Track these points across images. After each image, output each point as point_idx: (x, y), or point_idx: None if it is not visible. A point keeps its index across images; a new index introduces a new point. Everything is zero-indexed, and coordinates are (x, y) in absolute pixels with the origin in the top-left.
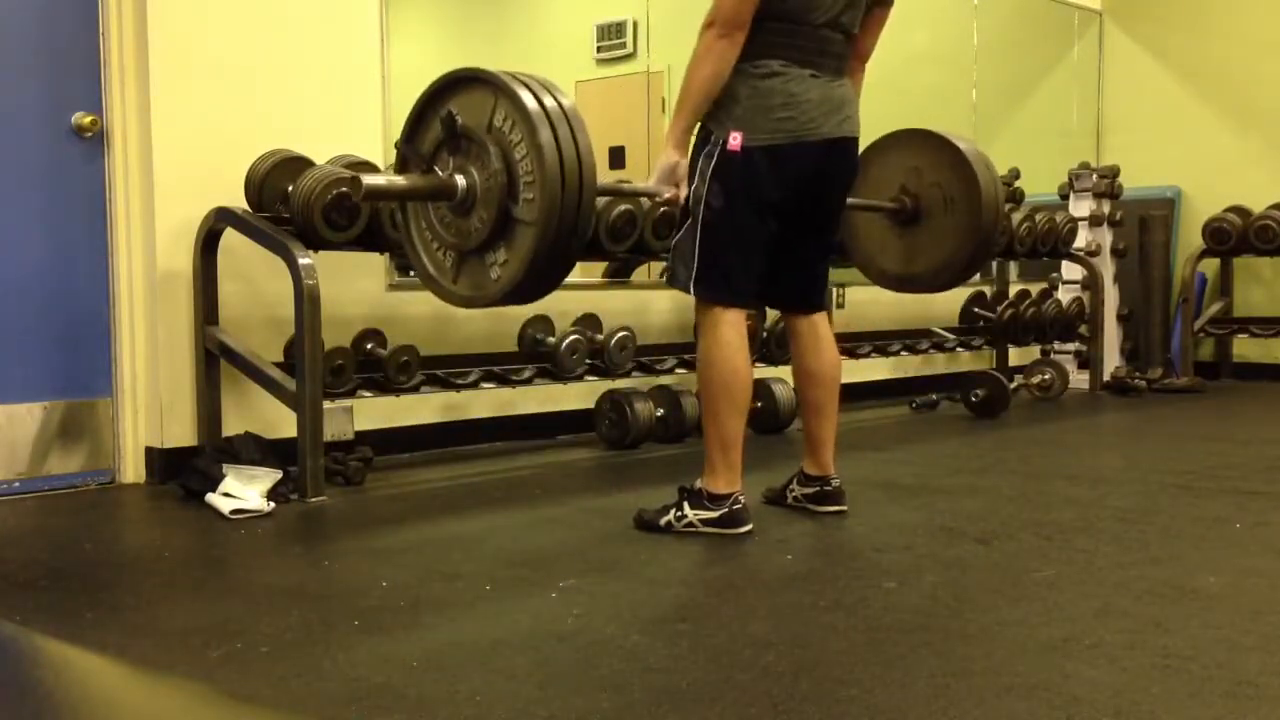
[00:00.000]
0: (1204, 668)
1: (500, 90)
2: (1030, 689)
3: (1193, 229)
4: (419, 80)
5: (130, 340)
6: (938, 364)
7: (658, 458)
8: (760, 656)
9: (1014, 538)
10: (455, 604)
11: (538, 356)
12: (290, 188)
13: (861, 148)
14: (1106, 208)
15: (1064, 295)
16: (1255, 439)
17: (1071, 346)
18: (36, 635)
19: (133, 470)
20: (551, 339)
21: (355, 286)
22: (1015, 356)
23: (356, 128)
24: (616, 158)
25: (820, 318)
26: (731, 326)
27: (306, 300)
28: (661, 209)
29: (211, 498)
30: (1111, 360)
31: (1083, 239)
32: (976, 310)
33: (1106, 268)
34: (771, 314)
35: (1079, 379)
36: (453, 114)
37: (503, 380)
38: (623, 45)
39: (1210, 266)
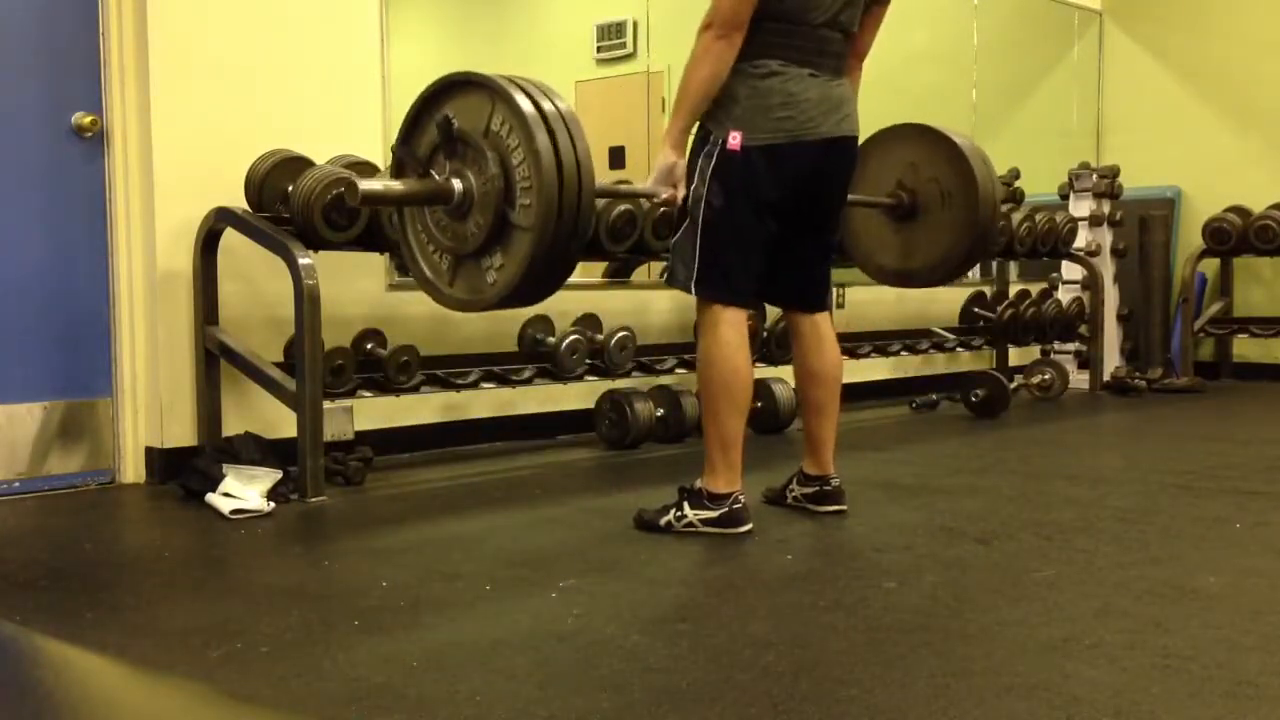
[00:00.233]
0: (1204, 668)
1: (497, 94)
2: (1030, 689)
3: (1193, 229)
4: (419, 80)
5: (130, 340)
6: (938, 364)
7: (658, 458)
8: (760, 656)
9: (1014, 538)
10: (455, 604)
11: (538, 356)
12: (290, 188)
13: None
14: (1106, 208)
15: (1064, 295)
16: (1255, 439)
17: (1071, 346)
18: (36, 635)
19: (133, 470)
20: (551, 339)
21: (355, 286)
22: (1015, 356)
23: (356, 128)
24: (616, 158)
25: (823, 317)
26: (732, 326)
27: (306, 300)
28: (661, 209)
29: (211, 498)
30: (1111, 360)
31: (1083, 239)
32: (976, 310)
33: (1106, 268)
34: (772, 313)
35: (1079, 379)
36: (449, 118)
37: (503, 380)
38: (623, 45)
39: (1210, 266)
